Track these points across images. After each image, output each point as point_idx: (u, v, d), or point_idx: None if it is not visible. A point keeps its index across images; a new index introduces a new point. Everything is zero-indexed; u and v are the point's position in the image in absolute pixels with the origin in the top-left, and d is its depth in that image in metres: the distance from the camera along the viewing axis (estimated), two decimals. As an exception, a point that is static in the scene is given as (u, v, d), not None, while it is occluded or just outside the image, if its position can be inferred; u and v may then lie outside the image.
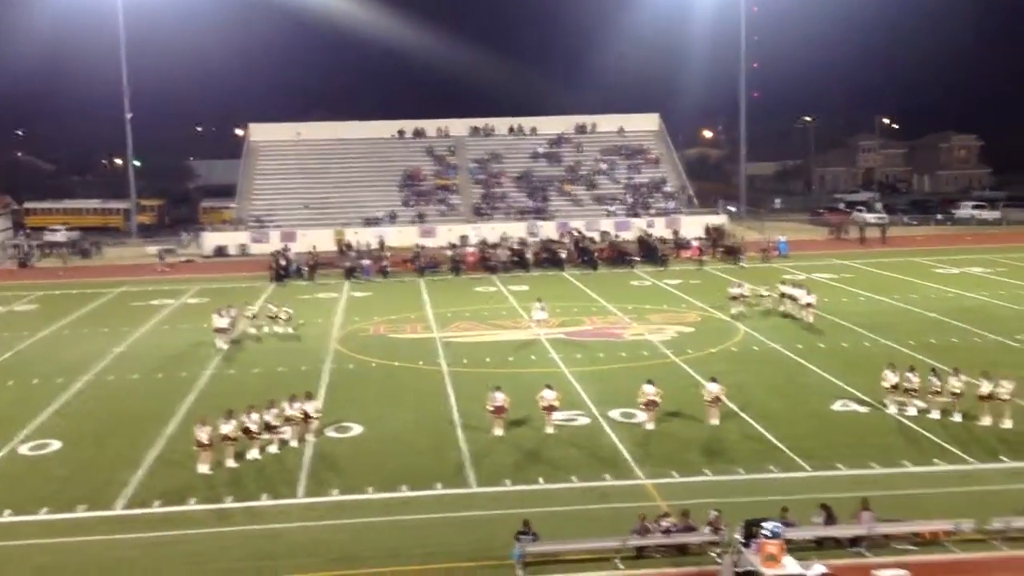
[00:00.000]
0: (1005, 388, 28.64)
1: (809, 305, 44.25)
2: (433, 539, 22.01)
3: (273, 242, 72.86)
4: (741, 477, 25.41)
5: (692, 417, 29.99)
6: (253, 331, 44.34)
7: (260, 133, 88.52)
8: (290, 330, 44.17)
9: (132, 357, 40.74)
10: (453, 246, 68.39)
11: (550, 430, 29.09)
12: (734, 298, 46.30)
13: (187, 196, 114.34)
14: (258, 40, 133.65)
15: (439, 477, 25.74)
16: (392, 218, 78.47)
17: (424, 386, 35.09)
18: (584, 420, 30.41)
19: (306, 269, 62.72)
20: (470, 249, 68.04)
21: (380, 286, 59.52)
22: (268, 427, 27.94)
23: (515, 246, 67.43)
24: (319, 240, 70.84)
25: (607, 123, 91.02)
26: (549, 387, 29.91)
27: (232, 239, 76.52)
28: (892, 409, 30.14)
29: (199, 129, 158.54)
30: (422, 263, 63.49)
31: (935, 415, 29.39)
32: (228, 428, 27.05)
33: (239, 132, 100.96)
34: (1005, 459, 26.00)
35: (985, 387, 28.89)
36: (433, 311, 49.60)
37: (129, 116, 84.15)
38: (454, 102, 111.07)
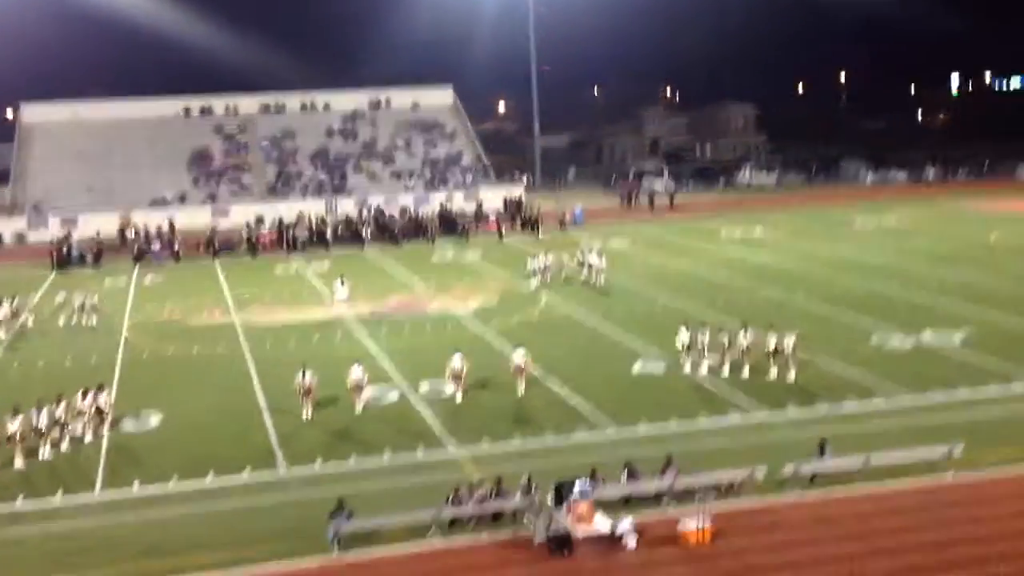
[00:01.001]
0: (789, 342, 30.36)
1: (597, 269, 46.23)
2: (244, 525, 21.51)
3: (53, 229, 68.99)
4: (549, 441, 25.97)
5: (499, 386, 30.40)
6: (31, 323, 42.01)
7: (34, 114, 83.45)
8: (94, 322, 41.87)
9: (-99, 357, 37.83)
10: (249, 227, 66.59)
11: (359, 408, 28.88)
12: (533, 272, 46.93)
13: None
14: (23, 16, 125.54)
15: (247, 462, 25.08)
16: (182, 199, 75.68)
17: (225, 371, 34.14)
18: (393, 396, 30.33)
19: (91, 255, 59.72)
20: (266, 229, 66.47)
21: (173, 270, 57.39)
22: (57, 423, 26.51)
23: (314, 224, 66.31)
24: (104, 224, 67.50)
25: (401, 97, 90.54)
26: (356, 364, 29.68)
27: (7, 226, 71.97)
28: (687, 367, 31.46)
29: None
30: (216, 245, 61.56)
31: (726, 371, 30.85)
32: (14, 426, 25.51)
33: (10, 113, 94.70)
34: (792, 408, 27.58)
35: (771, 342, 30.53)
36: (231, 294, 48.23)
37: None
38: (242, 77, 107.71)
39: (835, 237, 58.25)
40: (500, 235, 64.86)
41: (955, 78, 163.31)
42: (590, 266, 47.01)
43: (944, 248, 52.57)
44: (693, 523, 19.88)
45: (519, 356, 30.37)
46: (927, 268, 47.02)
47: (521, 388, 29.96)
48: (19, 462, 25.46)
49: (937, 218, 64.70)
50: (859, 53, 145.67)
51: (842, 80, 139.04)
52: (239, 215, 72.10)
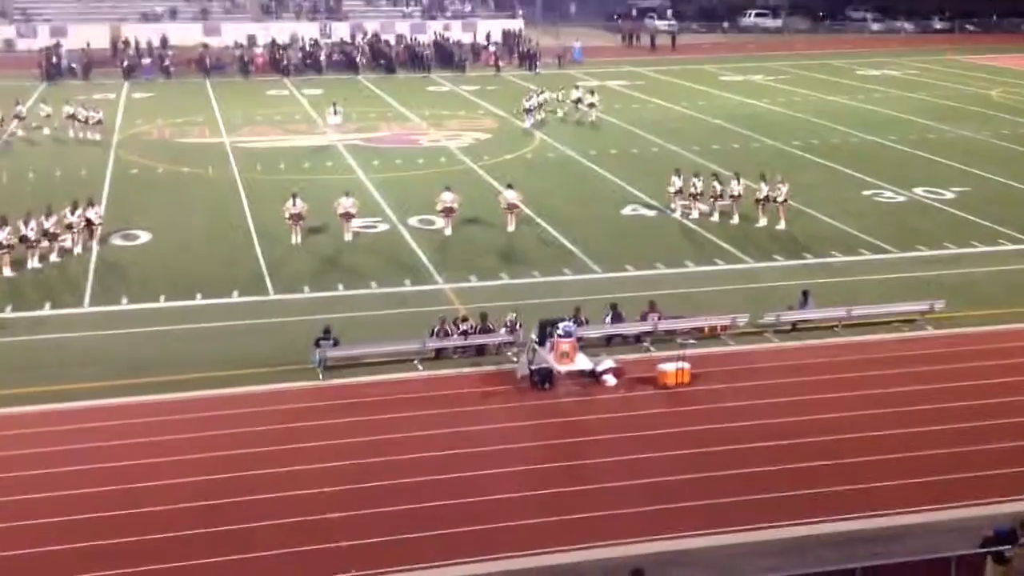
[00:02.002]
0: (781, 191, 30.30)
1: (592, 105, 45.98)
2: (231, 346, 21.82)
3: (42, 38, 67.29)
4: (536, 280, 26.16)
5: (489, 223, 30.40)
6: (22, 132, 41.53)
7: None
8: (97, 136, 41.13)
9: None
10: (241, 46, 65.12)
11: (349, 237, 28.93)
12: (528, 110, 46.18)
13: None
14: None
15: (235, 284, 25.32)
16: (173, 14, 73.63)
17: (215, 193, 34.02)
18: (383, 227, 30.36)
19: (80, 68, 58.53)
20: (259, 50, 65.04)
21: (163, 87, 56.44)
22: (47, 235, 26.54)
23: (307, 47, 64.90)
24: (93, 36, 65.80)
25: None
26: (347, 194, 29.58)
27: (-5, 34, 70.21)
28: (677, 212, 31.45)
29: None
30: (208, 63, 60.33)
31: (716, 218, 30.88)
32: (2, 235, 25.52)
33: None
34: (778, 258, 27.76)
35: (762, 190, 30.48)
36: (222, 114, 47.58)
37: None
38: None
39: (836, 87, 57.39)
40: (497, 69, 63.68)
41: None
42: (584, 103, 46.45)
43: (946, 102, 51.90)
44: (672, 365, 20.26)
45: (511, 195, 30.27)
46: (927, 122, 46.54)
47: (511, 226, 29.97)
48: (6, 271, 25.58)
49: (941, 71, 63.64)
50: None
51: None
52: (231, 34, 70.36)
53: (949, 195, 33.89)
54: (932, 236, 29.32)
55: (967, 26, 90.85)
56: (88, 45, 62.00)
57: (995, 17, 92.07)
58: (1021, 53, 72.49)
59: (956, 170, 37.39)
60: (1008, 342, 22.16)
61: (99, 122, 41.40)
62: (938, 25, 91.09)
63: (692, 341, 21.77)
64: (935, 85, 58.04)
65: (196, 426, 18.36)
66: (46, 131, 41.80)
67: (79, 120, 41.32)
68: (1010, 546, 13.44)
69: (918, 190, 34.46)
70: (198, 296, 24.54)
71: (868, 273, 26.55)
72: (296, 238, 28.58)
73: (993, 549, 13.50)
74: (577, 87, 48.91)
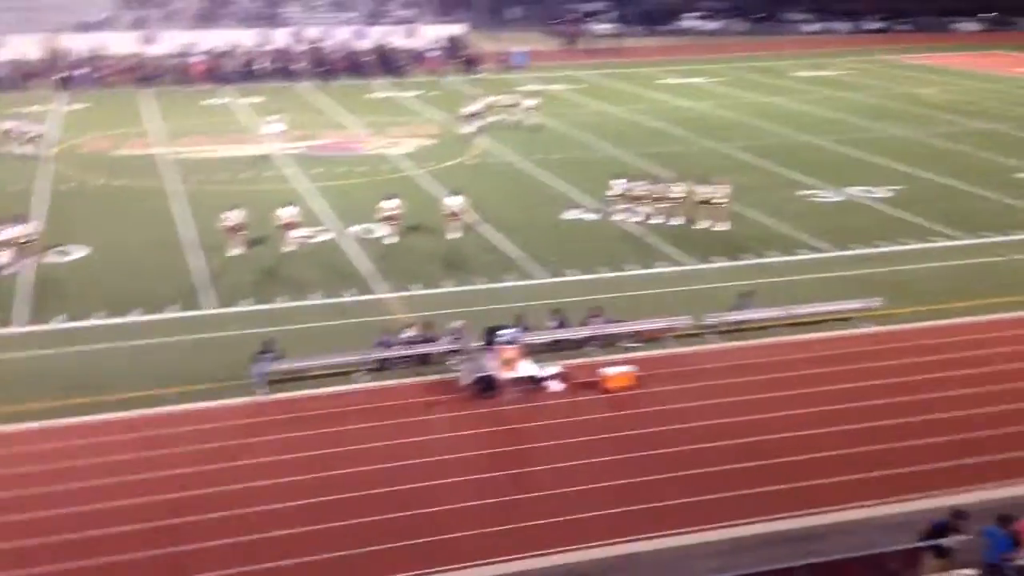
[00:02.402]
0: (720, 193, 30.60)
1: (532, 108, 46.65)
2: (172, 362, 21.53)
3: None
4: (479, 287, 26.14)
5: (432, 230, 30.34)
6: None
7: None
8: (36, 150, 40.24)
9: None
10: (178, 55, 64.34)
11: (289, 248, 28.71)
12: (470, 115, 46.11)
13: None
14: None
15: (175, 299, 25.00)
16: (109, 23, 72.62)
17: (153, 205, 33.58)
18: (325, 236, 30.17)
19: (15, 78, 57.48)
20: (196, 58, 64.33)
21: (98, 97, 55.58)
22: (-20, 254, 26.06)
23: (246, 55, 64.33)
24: (27, 47, 64.67)
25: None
26: (288, 203, 29.36)
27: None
28: (619, 216, 31.62)
29: None
30: (144, 73, 59.55)
31: (657, 220, 31.08)
32: (-66, 256, 25.04)
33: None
34: (718, 259, 27.99)
35: (702, 192, 30.75)
36: (159, 125, 47.00)
37: None
38: None
39: (774, 88, 58.11)
40: (439, 74, 63.58)
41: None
42: (523, 107, 46.65)
43: (880, 102, 52.76)
44: (616, 368, 20.36)
45: (454, 202, 30.22)
46: (861, 122, 47.28)
47: (453, 233, 29.94)
48: (-60, 293, 25.09)
49: (875, 71, 64.70)
50: None
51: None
52: (168, 43, 69.47)
53: (883, 194, 34.43)
54: (867, 234, 29.76)
55: (900, 26, 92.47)
56: (22, 56, 60.88)
57: (928, 17, 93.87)
58: (954, 52, 73.99)
59: (891, 169, 38.01)
60: (944, 337, 22.57)
61: (39, 135, 40.64)
62: (872, 26, 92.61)
63: (635, 344, 21.90)
64: (870, 85, 58.99)
65: (137, 446, 18.10)
66: (18, 150, 40.86)
67: (18, 134, 40.40)
68: (950, 538, 13.69)
69: (853, 189, 34.98)
70: (137, 312, 24.19)
71: (806, 272, 26.89)
72: (236, 249, 28.31)
73: (932, 542, 13.74)
74: (516, 91, 49.00)
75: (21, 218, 27.87)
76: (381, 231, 29.90)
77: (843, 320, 23.23)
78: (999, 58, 70.62)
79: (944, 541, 13.73)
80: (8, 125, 40.88)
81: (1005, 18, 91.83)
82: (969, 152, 40.83)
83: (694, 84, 60.05)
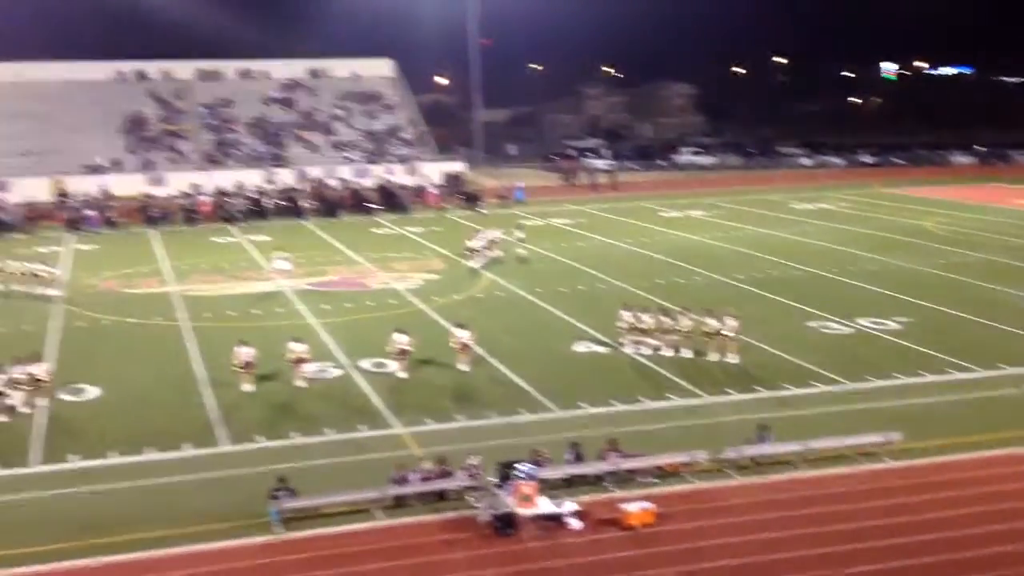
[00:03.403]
0: (729, 325, 30.72)
1: (520, 240, 47.77)
2: (184, 502, 21.23)
3: (-19, 192, 67.17)
4: (493, 421, 25.99)
5: (443, 364, 30.32)
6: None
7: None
8: (55, 292, 40.25)
9: None
10: (186, 195, 65.53)
11: (301, 383, 28.65)
12: (473, 250, 46.71)
13: None
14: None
15: (187, 437, 24.80)
16: (116, 166, 74.03)
17: (164, 343, 33.62)
18: (336, 372, 30.12)
19: (23, 221, 58.32)
20: (204, 198, 65.45)
21: (108, 238, 56.30)
22: (-6, 393, 25.96)
23: (253, 194, 65.48)
24: (35, 189, 65.83)
25: (340, 68, 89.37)
26: (297, 340, 29.43)
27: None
28: (628, 348, 31.67)
29: None
30: (153, 213, 60.47)
31: (667, 352, 31.13)
32: (-54, 396, 24.92)
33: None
34: (732, 392, 27.93)
35: (710, 324, 30.88)
36: (168, 264, 47.47)
37: None
38: (177, 43, 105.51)
39: (773, 221, 58.99)
40: (441, 210, 64.60)
41: (888, 65, 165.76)
42: (514, 237, 47.99)
43: (880, 234, 53.48)
44: (636, 505, 20.08)
45: (462, 334, 30.32)
46: (864, 253, 47.82)
47: (464, 366, 29.93)
48: (-50, 434, 24.88)
49: (873, 204, 65.81)
50: (794, 35, 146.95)
51: (779, 62, 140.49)
52: (175, 183, 70.80)
53: (894, 325, 34.55)
54: (881, 366, 29.73)
55: (894, 159, 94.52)
56: (31, 199, 61.88)
57: (924, 151, 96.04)
58: (950, 184, 75.40)
59: (898, 300, 38.24)
60: (968, 471, 22.31)
61: (53, 276, 40.91)
62: (867, 159, 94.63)
63: (654, 480, 21.66)
64: (869, 217, 59.91)
65: (150, 588, 17.71)
66: (37, 290, 41.04)
67: (36, 276, 40.59)
68: None
69: (862, 320, 35.10)
70: (150, 450, 23.98)
71: (822, 405, 26.78)
72: (247, 386, 28.24)
73: None
74: (508, 226, 49.89)
75: (35, 357, 27.84)
76: (392, 365, 29.88)
77: (864, 455, 23.01)
78: (995, 191, 71.96)
79: None
80: (26, 266, 41.09)
81: (999, 151, 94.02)
82: (974, 283, 41.15)
83: (692, 217, 60.98)
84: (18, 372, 26.79)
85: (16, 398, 26.63)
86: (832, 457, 22.80)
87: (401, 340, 29.72)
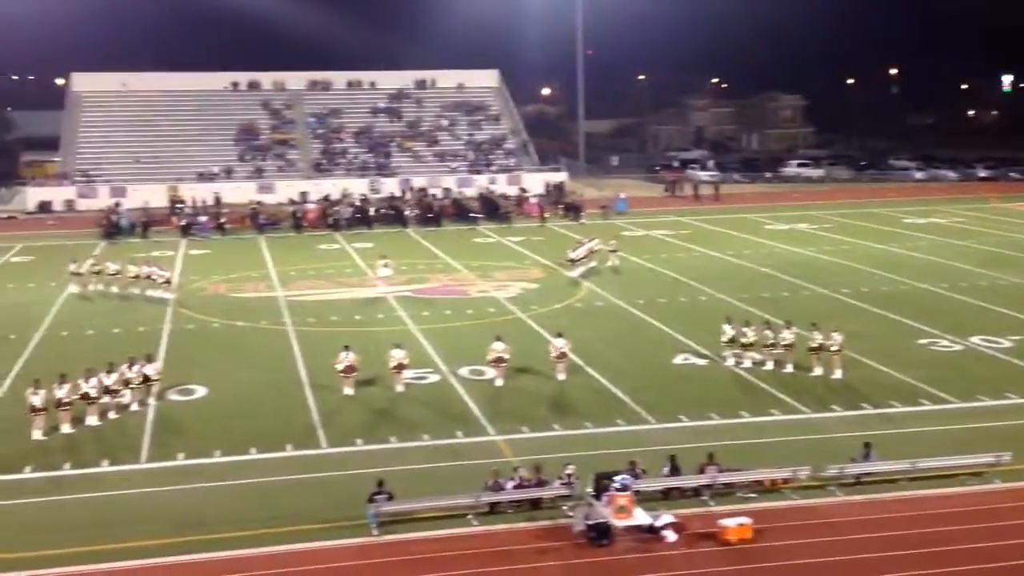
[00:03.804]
0: (834, 340, 30.04)
1: (614, 251, 47.56)
2: (284, 501, 21.64)
3: (102, 198, 69.86)
4: (589, 431, 25.90)
5: (540, 373, 30.35)
6: (76, 289, 42.61)
7: (84, 83, 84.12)
8: (167, 295, 41.62)
9: (-48, 319, 38.51)
10: (293, 202, 66.97)
11: (400, 388, 28.97)
12: (574, 260, 46.62)
13: (5, 148, 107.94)
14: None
15: (288, 438, 25.31)
16: (228, 173, 76.17)
17: (269, 346, 34.39)
18: (434, 378, 30.39)
19: (139, 226, 60.33)
20: (311, 205, 66.79)
21: (218, 244, 57.86)
22: (107, 391, 26.85)
23: (357, 202, 66.60)
24: (151, 196, 68.14)
25: (447, 79, 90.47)
26: (398, 346, 29.77)
27: (57, 194, 72.80)
28: (730, 362, 31.22)
29: (15, 78, 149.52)
30: (262, 220, 61.96)
31: (769, 366, 30.59)
32: (62, 392, 25.86)
33: (60, 82, 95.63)
34: (836, 408, 27.31)
35: (815, 339, 30.25)
36: (275, 269, 48.56)
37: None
38: (289, 54, 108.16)
39: (882, 234, 57.53)
40: (542, 220, 64.73)
41: (1007, 78, 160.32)
42: (605, 249, 47.73)
43: (995, 250, 51.72)
44: (733, 520, 19.76)
45: (560, 343, 30.30)
46: (977, 269, 46.27)
47: (561, 375, 29.89)
48: (66, 427, 25.80)
49: (987, 218, 63.69)
50: (911, 46, 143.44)
51: (892, 73, 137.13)
52: (284, 191, 72.54)
53: (1007, 343, 33.34)
54: (992, 385, 28.74)
55: (1011, 174, 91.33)
56: (147, 204, 63.99)
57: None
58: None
59: (1012, 318, 36.89)
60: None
61: (167, 281, 42.21)
62: (981, 173, 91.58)
63: (753, 495, 21.30)
64: (983, 232, 57.99)
65: (250, 585, 18.08)
66: (114, 288, 42.63)
67: (151, 279, 41.90)
68: None
69: (975, 338, 33.93)
70: (252, 450, 24.53)
71: (930, 424, 26.00)
72: (348, 390, 28.68)
73: None
74: (605, 236, 49.80)
75: (148, 357, 28.77)
76: (490, 373, 30.01)
77: (972, 475, 22.26)
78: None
79: None
80: (144, 270, 42.45)
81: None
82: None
83: (798, 230, 59.88)
84: (131, 371, 27.69)
85: (128, 396, 27.53)
86: (939, 477, 22.12)
87: (499, 348, 29.83)
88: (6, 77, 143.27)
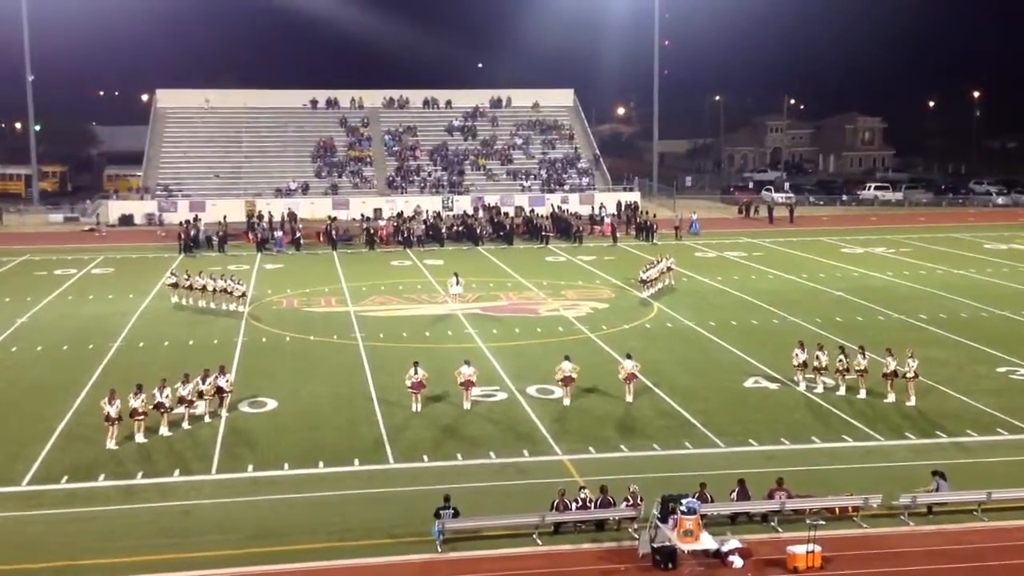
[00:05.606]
0: (909, 366, 29.44)
1: (670, 269, 47.80)
2: (351, 515, 21.84)
3: (181, 211, 71.40)
4: (656, 453, 25.72)
5: (608, 393, 30.23)
6: (175, 300, 43.70)
7: (167, 99, 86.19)
8: (242, 308, 42.24)
9: (36, 328, 39.56)
10: (367, 219, 67.74)
11: (468, 406, 29.07)
12: (646, 280, 46.38)
13: (90, 162, 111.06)
14: (163, 3, 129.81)
15: (356, 453, 25.55)
16: (304, 189, 77.34)
17: (340, 360, 34.75)
18: (502, 396, 30.44)
19: (217, 240, 61.50)
20: (384, 222, 67.49)
21: (293, 258, 58.72)
22: (181, 401, 27.38)
23: (430, 220, 67.13)
24: (229, 210, 69.47)
25: (522, 97, 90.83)
26: (467, 363, 29.88)
27: (139, 208, 74.61)
28: (802, 386, 30.79)
29: (102, 93, 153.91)
30: (336, 235, 62.76)
31: (842, 392, 30.10)
32: (137, 402, 26.43)
33: (145, 97, 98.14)
34: (910, 436, 26.76)
35: (890, 365, 29.68)
36: (348, 284, 49.12)
37: (31, 79, 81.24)
38: (368, 72, 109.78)
39: (962, 260, 56.30)
40: (614, 240, 64.55)
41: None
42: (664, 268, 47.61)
43: (1079, 277, 50.31)
44: (802, 547, 19.45)
45: (629, 363, 30.15)
46: (1060, 297, 45.06)
47: (630, 396, 29.74)
48: (140, 437, 26.34)
49: (1072, 245, 61.97)
50: (994, 68, 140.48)
51: (975, 95, 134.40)
52: (358, 207, 73.43)
53: (1090, 372, 32.46)
54: (1075, 416, 27.95)
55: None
56: (224, 218, 65.24)
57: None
58: None
59: (1096, 346, 35.87)
60: None
61: (243, 295, 42.93)
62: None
63: (822, 522, 20.91)
64: (1067, 258, 56.44)
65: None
66: (189, 301, 43.53)
67: (226, 292, 42.63)
68: None
69: (1056, 367, 33.10)
70: (320, 464, 24.80)
71: (1007, 454, 25.33)
72: (416, 406, 28.86)
73: None
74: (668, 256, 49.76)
75: (219, 369, 29.28)
76: (557, 392, 29.98)
77: (1050, 507, 21.67)
78: None
79: None
80: (218, 283, 43.22)
81: None
82: None
83: (876, 254, 58.88)
84: (205, 383, 28.20)
85: (201, 407, 28.04)
86: (1015, 508, 21.52)
87: (567, 367, 29.79)
88: (92, 93, 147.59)
